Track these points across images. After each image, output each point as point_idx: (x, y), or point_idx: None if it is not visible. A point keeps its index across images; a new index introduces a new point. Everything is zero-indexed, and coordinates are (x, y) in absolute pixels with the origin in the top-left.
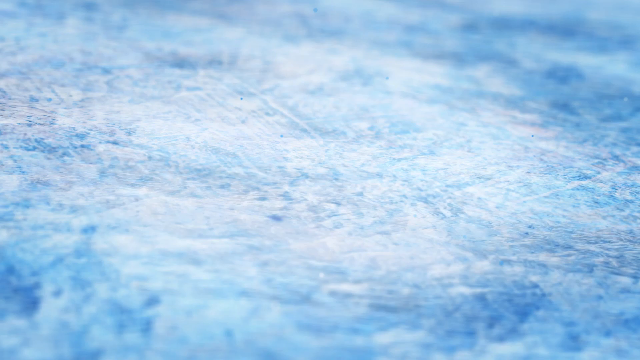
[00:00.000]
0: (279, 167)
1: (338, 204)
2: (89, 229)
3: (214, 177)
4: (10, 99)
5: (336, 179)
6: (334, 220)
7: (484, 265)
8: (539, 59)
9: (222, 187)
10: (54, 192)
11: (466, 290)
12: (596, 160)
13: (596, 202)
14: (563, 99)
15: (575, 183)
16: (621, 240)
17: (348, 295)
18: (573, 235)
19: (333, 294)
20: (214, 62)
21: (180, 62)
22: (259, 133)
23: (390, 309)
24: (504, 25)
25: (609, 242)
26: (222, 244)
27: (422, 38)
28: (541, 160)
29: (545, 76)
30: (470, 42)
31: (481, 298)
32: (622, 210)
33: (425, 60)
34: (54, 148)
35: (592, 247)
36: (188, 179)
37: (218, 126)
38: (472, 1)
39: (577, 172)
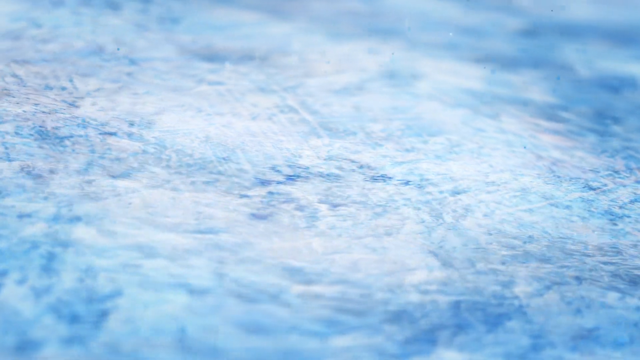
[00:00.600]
0: (275, 164)
1: (332, 205)
2: (66, 219)
3: (203, 172)
4: (25, 86)
5: (333, 180)
6: (326, 222)
7: (467, 274)
8: (594, 67)
9: (207, 183)
10: (36, 180)
11: (441, 298)
12: (607, 172)
13: (591, 215)
14: (601, 109)
15: (576, 194)
16: (606, 254)
17: (317, 297)
18: (560, 248)
19: (302, 295)
20: (246, 57)
21: (212, 56)
22: (265, 130)
23: (356, 312)
24: (568, 30)
25: (594, 256)
26: (198, 240)
27: (473, 41)
28: (550, 169)
29: (593, 85)
30: (523, 46)
31: (454, 306)
32: (615, 224)
33: (467, 64)
34: (50, 137)
35: (577, 261)
36: (175, 173)
37: (226, 122)
38: (541, 5)
39: (583, 183)
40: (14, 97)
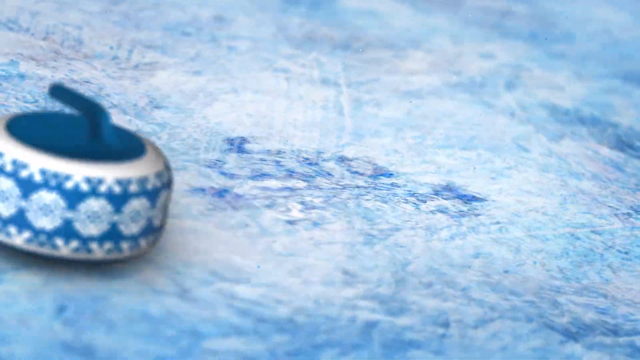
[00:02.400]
0: (266, 159)
1: (310, 206)
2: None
3: (180, 158)
4: (77, 51)
5: (321, 182)
6: (300, 223)
7: (415, 296)
8: None
9: (175, 169)
10: None
11: (363, 316)
12: (626, 211)
13: (565, 254)
14: None
15: (567, 229)
16: (556, 293)
17: (231, 297)
18: (518, 282)
19: (218, 292)
20: (339, 46)
21: (302, 42)
22: (287, 122)
23: (259, 318)
24: None
25: (539, 295)
26: None
27: (622, 55)
28: (565, 200)
29: None
30: None
31: (370, 325)
32: (580, 266)
33: (585, 81)
34: (52, 105)
35: (524, 298)
36: None
37: (254, 109)
38: None
39: (588, 219)
40: (55, 61)
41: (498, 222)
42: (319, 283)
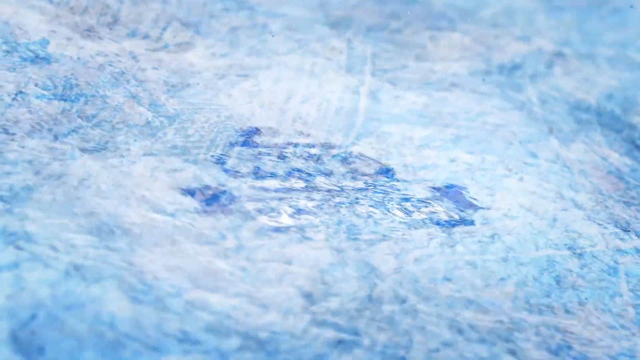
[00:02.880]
0: (265, 156)
1: (300, 210)
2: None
3: (179, 158)
4: (111, 29)
5: (316, 184)
6: (290, 231)
7: (386, 312)
8: None
9: (169, 171)
10: (1, 139)
11: (329, 334)
12: (613, 231)
13: (534, 279)
14: None
15: (546, 252)
16: (521, 321)
17: (202, 308)
18: (486, 307)
19: (191, 303)
20: (375, 27)
21: (339, 21)
22: (297, 117)
23: (224, 333)
24: None
25: (506, 319)
26: (106, 226)
27: None
28: (554, 216)
29: None
30: None
31: (332, 345)
32: (548, 294)
33: (618, 70)
34: (71, 93)
35: (491, 321)
36: (147, 154)
37: (268, 101)
38: None
39: (572, 239)
40: (85, 39)
41: (482, 240)
42: (292, 295)
